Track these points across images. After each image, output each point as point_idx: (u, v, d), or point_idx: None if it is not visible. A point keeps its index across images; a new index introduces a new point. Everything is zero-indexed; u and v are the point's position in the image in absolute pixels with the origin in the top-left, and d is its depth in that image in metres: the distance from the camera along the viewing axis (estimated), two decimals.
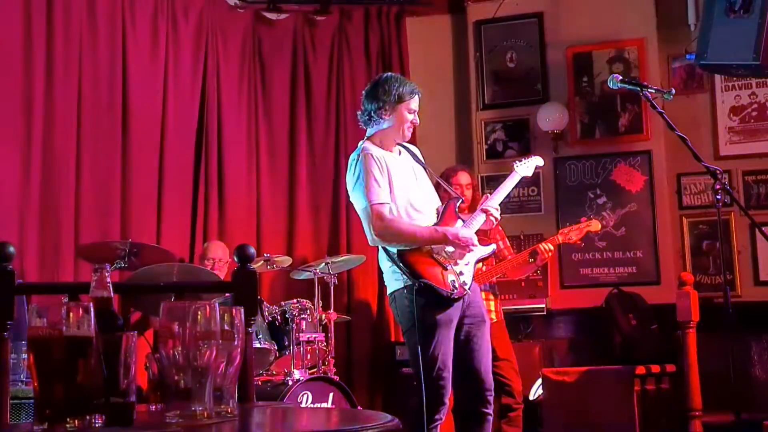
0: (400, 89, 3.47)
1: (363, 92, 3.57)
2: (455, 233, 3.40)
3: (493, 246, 3.76)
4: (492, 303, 4.67)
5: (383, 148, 3.50)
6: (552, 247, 4.39)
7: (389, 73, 3.66)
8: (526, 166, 3.92)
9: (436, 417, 3.37)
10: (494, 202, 3.63)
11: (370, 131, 3.54)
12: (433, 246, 3.40)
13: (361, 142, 3.55)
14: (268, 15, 6.27)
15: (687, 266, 5.68)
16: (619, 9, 5.94)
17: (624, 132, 5.90)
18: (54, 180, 4.90)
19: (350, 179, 3.47)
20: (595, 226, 4.50)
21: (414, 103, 3.51)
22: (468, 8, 6.30)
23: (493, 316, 4.60)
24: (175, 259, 4.62)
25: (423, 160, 3.67)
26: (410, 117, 3.50)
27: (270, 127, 6.11)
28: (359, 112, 3.56)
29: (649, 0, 5.90)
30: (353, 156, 3.49)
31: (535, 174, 5.80)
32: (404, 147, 3.65)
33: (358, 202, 3.43)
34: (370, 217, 3.34)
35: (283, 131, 6.12)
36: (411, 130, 3.55)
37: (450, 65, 6.43)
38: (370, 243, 3.44)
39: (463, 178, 4.71)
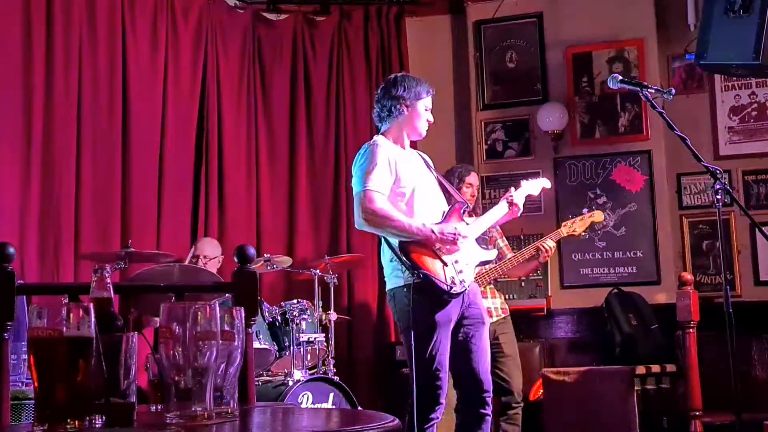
0: (418, 87, 3.59)
1: (379, 90, 3.67)
2: (440, 228, 3.41)
3: (495, 251, 3.79)
4: (498, 300, 4.67)
5: (396, 144, 3.58)
6: (553, 244, 4.40)
7: (405, 73, 3.82)
8: (533, 186, 3.97)
9: (432, 416, 3.38)
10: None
11: (384, 127, 3.61)
12: None
13: (375, 136, 3.60)
14: (268, 15, 6.27)
15: (687, 266, 5.69)
16: (618, 9, 5.94)
17: (624, 132, 5.90)
18: (54, 181, 4.89)
19: (355, 165, 3.53)
20: (599, 216, 4.50)
21: (429, 101, 3.64)
22: (468, 8, 6.30)
23: (500, 312, 4.60)
24: (174, 260, 4.62)
25: (434, 166, 3.72)
26: (426, 114, 3.62)
27: (270, 127, 6.10)
28: (376, 109, 3.64)
29: (649, 0, 5.90)
30: (364, 145, 3.54)
31: (535, 174, 5.84)
32: (418, 152, 3.72)
33: (355, 186, 3.47)
34: (362, 200, 3.38)
35: (283, 131, 6.12)
36: (426, 128, 3.62)
37: (450, 65, 6.42)
38: (356, 226, 3.48)
39: (475, 179, 4.76)
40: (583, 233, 4.50)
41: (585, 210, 4.51)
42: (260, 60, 6.14)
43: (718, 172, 3.42)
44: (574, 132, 5.99)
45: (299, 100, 6.16)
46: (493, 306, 4.58)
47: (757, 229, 5.18)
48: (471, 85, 6.26)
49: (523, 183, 3.94)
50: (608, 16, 5.96)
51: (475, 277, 4.26)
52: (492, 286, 4.67)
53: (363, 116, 6.19)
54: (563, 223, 4.49)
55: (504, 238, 4.79)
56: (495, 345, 4.56)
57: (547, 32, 6.12)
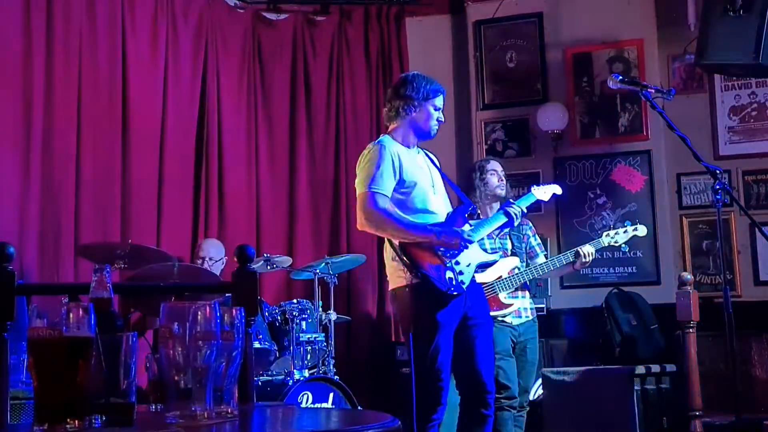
0: (427, 87, 3.57)
1: (389, 89, 3.67)
2: (443, 231, 3.41)
3: (496, 255, 3.79)
4: (528, 300, 4.64)
5: (403, 144, 3.56)
6: (593, 251, 4.36)
7: (416, 72, 3.76)
8: (544, 192, 3.96)
9: (434, 417, 3.37)
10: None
11: (392, 126, 3.59)
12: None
13: (381, 136, 3.61)
14: (268, 15, 6.28)
15: (687, 266, 5.68)
16: (619, 9, 5.94)
17: (624, 132, 5.91)
18: (54, 180, 4.89)
19: (359, 165, 3.53)
20: (642, 230, 4.44)
21: (439, 100, 3.61)
22: (468, 8, 6.31)
23: (529, 314, 4.58)
24: (174, 259, 4.61)
25: (440, 167, 3.72)
26: (436, 114, 3.59)
27: (270, 127, 6.10)
28: (385, 108, 3.64)
29: (649, 0, 5.91)
30: (369, 145, 3.54)
31: (535, 174, 5.85)
32: (425, 152, 3.70)
33: (358, 186, 3.47)
34: (364, 201, 3.39)
35: (283, 131, 6.12)
36: (437, 127, 3.61)
37: (450, 65, 6.42)
38: (358, 226, 3.49)
39: (497, 165, 4.62)
40: (624, 245, 4.46)
41: (628, 222, 4.47)
42: (260, 60, 6.14)
43: (718, 172, 3.43)
44: (574, 132, 5.99)
45: (299, 100, 6.16)
46: (522, 307, 4.55)
47: (757, 229, 5.19)
48: (471, 85, 6.26)
49: (533, 188, 3.95)
50: (608, 16, 5.96)
51: (506, 278, 4.29)
52: (523, 287, 4.63)
53: (363, 116, 6.19)
54: (604, 233, 4.45)
55: (537, 236, 4.74)
56: (521, 349, 4.54)
57: (547, 32, 6.12)
